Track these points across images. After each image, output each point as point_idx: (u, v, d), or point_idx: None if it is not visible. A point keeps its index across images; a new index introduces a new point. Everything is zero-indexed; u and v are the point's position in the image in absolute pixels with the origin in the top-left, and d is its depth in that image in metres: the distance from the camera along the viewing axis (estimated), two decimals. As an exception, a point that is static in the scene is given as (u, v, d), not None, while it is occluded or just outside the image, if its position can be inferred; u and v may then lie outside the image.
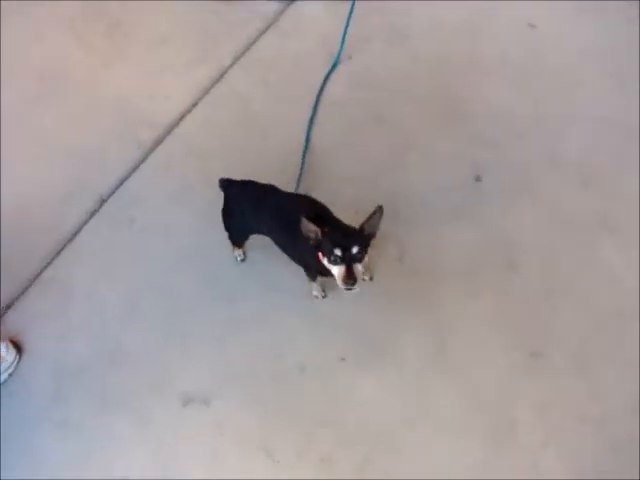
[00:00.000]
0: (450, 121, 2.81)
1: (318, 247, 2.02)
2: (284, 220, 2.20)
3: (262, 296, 2.52)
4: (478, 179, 2.68)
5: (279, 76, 2.97)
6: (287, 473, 2.25)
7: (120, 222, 2.74)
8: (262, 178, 2.70)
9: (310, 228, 1.99)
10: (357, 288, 1.98)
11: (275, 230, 2.30)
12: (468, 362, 2.37)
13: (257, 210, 2.30)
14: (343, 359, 2.39)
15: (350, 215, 2.14)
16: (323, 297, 2.51)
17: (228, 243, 2.57)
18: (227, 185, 2.37)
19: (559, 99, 2.84)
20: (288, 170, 2.75)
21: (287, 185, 2.63)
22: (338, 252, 1.95)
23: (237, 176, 2.72)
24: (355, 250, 1.95)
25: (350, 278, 1.96)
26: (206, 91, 2.96)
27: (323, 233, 2.00)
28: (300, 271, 2.39)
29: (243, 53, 3.05)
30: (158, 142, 2.86)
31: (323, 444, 2.27)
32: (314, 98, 2.89)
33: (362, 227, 2.01)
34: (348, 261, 1.96)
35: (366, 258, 2.02)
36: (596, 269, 2.52)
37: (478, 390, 2.33)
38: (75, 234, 2.74)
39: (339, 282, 1.99)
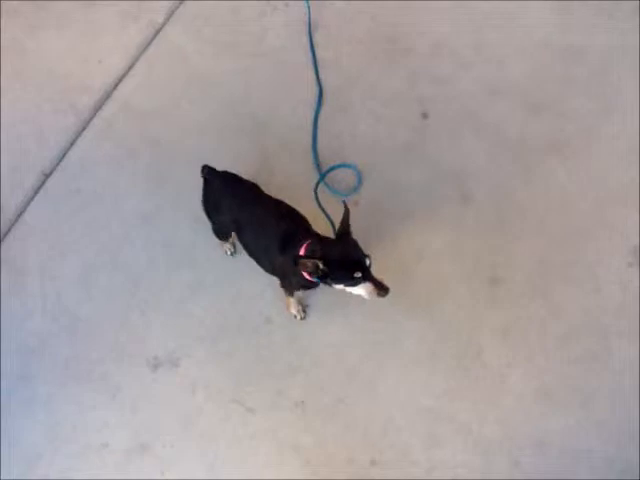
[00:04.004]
0: (392, 60, 2.89)
1: (324, 278, 1.97)
2: (262, 226, 2.17)
3: (218, 256, 2.61)
4: (425, 116, 2.79)
5: (217, 28, 2.99)
6: (263, 421, 2.40)
7: (66, 195, 2.77)
8: (208, 134, 2.82)
9: (309, 264, 1.92)
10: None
11: (249, 234, 2.24)
12: (431, 296, 2.53)
13: (233, 207, 2.24)
14: (307, 306, 2.52)
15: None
16: (302, 318, 2.50)
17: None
18: (209, 173, 2.29)
19: (498, 27, 2.94)
20: (234, 124, 2.83)
21: (239, 138, 2.76)
22: (359, 275, 1.91)
23: (185, 137, 2.83)
24: (368, 262, 1.93)
25: (385, 289, 1.94)
26: (142, 50, 2.96)
27: (324, 261, 1.91)
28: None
29: (177, 7, 3.05)
30: (96, 108, 2.87)
31: (296, 390, 2.43)
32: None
33: (349, 234, 1.99)
34: (368, 275, 1.93)
35: None
36: (548, 193, 2.67)
37: (442, 321, 2.50)
38: (20, 213, 2.77)
39: (370, 297, 1.97)
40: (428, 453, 2.35)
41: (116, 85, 2.91)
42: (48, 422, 2.43)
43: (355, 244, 1.98)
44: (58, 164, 2.84)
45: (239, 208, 2.22)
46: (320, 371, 2.45)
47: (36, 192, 2.80)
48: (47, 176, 2.82)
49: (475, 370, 2.42)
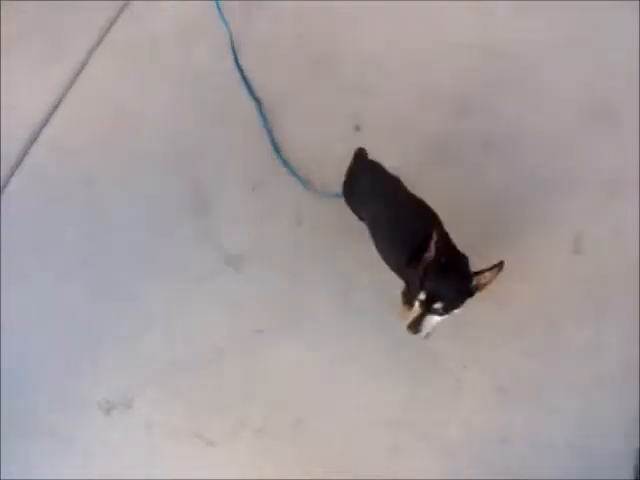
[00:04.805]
0: (320, 75, 2.93)
1: (415, 270, 1.92)
2: (399, 223, 2.12)
3: (162, 287, 2.59)
4: (357, 129, 2.83)
5: (140, 61, 2.99)
6: (225, 453, 2.37)
7: None
8: (143, 167, 2.80)
9: (430, 250, 1.85)
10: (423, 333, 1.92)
11: (384, 228, 2.20)
12: (378, 302, 2.53)
13: (372, 195, 2.23)
14: (260, 331, 2.51)
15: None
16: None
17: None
18: (362, 157, 2.32)
19: (421, 33, 3.01)
20: (169, 155, 2.82)
21: (176, 168, 2.79)
22: (422, 296, 1.84)
23: (119, 173, 2.81)
24: (437, 305, 1.84)
25: (412, 328, 1.89)
26: (66, 89, 2.93)
27: (429, 266, 1.86)
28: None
29: (98, 44, 3.05)
30: (24, 153, 2.83)
31: (255, 417, 2.40)
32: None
33: (472, 283, 1.87)
34: (424, 311, 1.86)
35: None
36: (486, 190, 2.71)
37: (394, 327, 2.48)
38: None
39: (402, 319, 1.95)
40: (394, 464, 2.34)
41: (42, 128, 2.87)
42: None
43: (459, 287, 1.86)
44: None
45: (377, 200, 2.20)
46: (278, 394, 2.43)
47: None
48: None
49: (431, 375, 2.44)
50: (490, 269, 1.85)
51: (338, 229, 2.66)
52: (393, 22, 3.03)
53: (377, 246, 2.26)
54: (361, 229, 2.57)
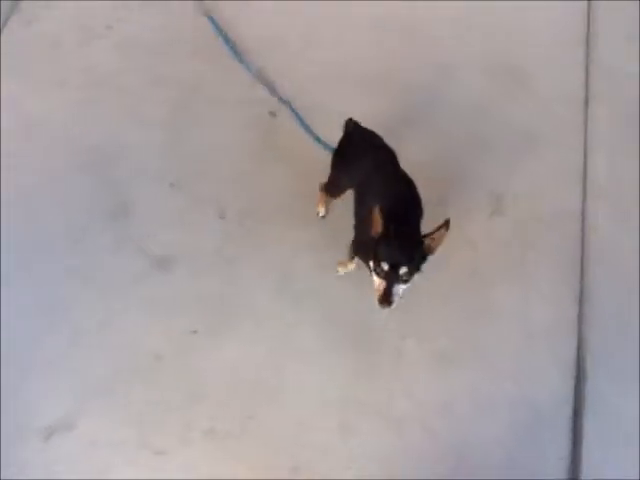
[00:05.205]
0: (231, 64, 2.91)
1: (372, 246, 1.97)
2: (386, 190, 2.13)
3: (89, 298, 2.51)
4: (273, 114, 2.81)
5: (39, 65, 2.88)
6: (176, 459, 2.31)
7: None
8: (55, 178, 2.69)
9: (376, 224, 1.92)
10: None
11: (370, 197, 2.16)
12: (312, 287, 2.55)
13: (364, 166, 2.22)
14: (195, 332, 2.47)
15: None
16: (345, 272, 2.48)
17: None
18: (353, 128, 2.32)
19: (320, 10, 3.06)
20: (81, 161, 2.74)
21: (90, 175, 2.70)
22: (385, 266, 1.90)
23: (32, 187, 2.69)
24: (402, 271, 1.90)
25: (385, 301, 1.93)
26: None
27: (383, 236, 1.93)
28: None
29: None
30: None
31: (202, 419, 2.36)
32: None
33: (424, 244, 1.93)
34: (391, 280, 1.92)
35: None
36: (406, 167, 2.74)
37: (330, 310, 2.52)
38: None
39: (375, 297, 1.96)
40: (346, 444, 2.35)
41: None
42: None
43: (415, 250, 1.92)
44: None
45: (370, 169, 2.20)
46: (222, 393, 2.40)
47: None
48: None
49: (372, 349, 2.47)
50: (437, 229, 1.91)
51: (264, 217, 2.66)
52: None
53: (357, 212, 2.28)
54: (291, 214, 2.63)
